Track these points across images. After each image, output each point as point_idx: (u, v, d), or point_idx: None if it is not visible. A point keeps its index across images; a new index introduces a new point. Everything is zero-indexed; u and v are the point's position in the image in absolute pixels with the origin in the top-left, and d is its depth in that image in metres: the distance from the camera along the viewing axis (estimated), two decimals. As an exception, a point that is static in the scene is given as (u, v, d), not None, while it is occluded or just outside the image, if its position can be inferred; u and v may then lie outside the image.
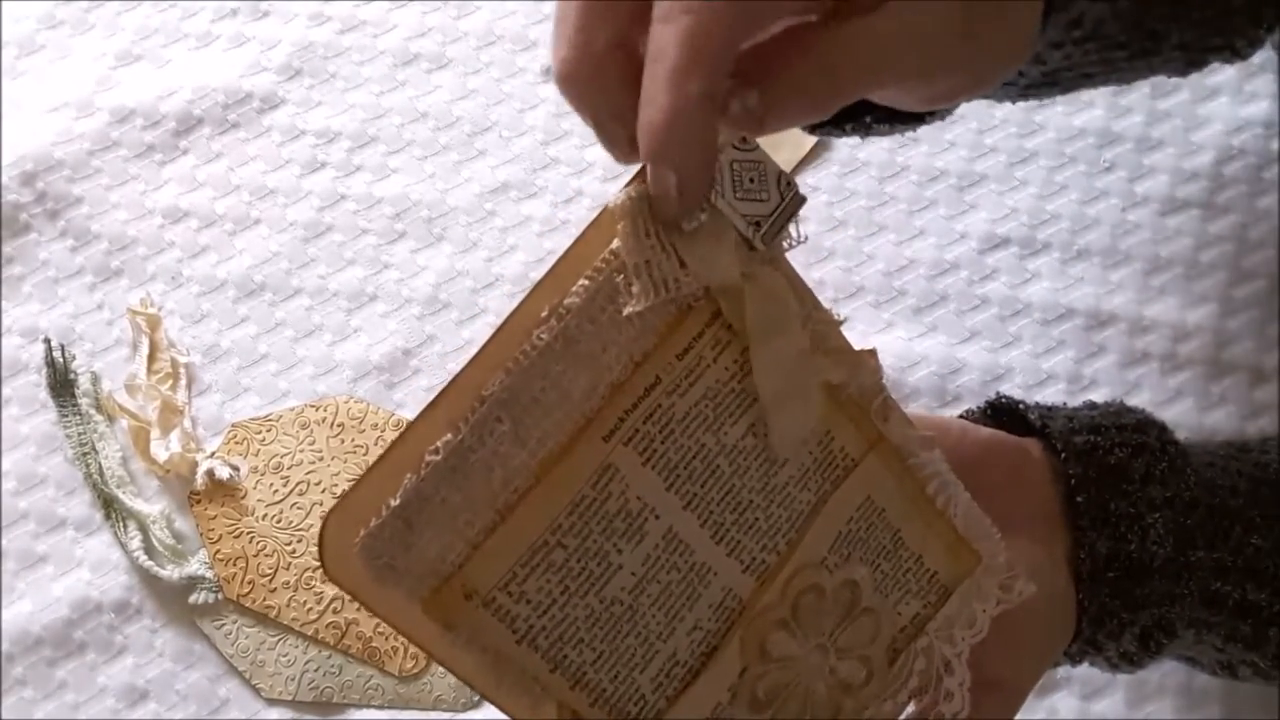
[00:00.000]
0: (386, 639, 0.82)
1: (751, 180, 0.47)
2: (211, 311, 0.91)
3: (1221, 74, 0.97)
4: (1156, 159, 0.95)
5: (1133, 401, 0.70)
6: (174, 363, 0.89)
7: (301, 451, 0.87)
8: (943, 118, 0.62)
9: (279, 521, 0.85)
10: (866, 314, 0.91)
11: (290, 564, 0.84)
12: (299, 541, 0.85)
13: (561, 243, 0.91)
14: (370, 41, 0.99)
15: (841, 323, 0.52)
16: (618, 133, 0.47)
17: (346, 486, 0.84)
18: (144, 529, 0.85)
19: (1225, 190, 0.94)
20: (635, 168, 0.47)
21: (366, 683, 0.82)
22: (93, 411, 0.88)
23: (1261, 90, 0.97)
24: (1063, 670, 0.79)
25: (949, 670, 0.57)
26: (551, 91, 0.97)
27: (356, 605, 0.57)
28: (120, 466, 0.86)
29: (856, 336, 0.88)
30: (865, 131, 0.63)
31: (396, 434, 0.86)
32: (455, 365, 0.88)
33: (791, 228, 0.49)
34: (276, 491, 0.86)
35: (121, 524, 0.85)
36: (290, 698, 0.82)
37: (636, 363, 0.48)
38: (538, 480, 0.47)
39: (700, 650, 0.51)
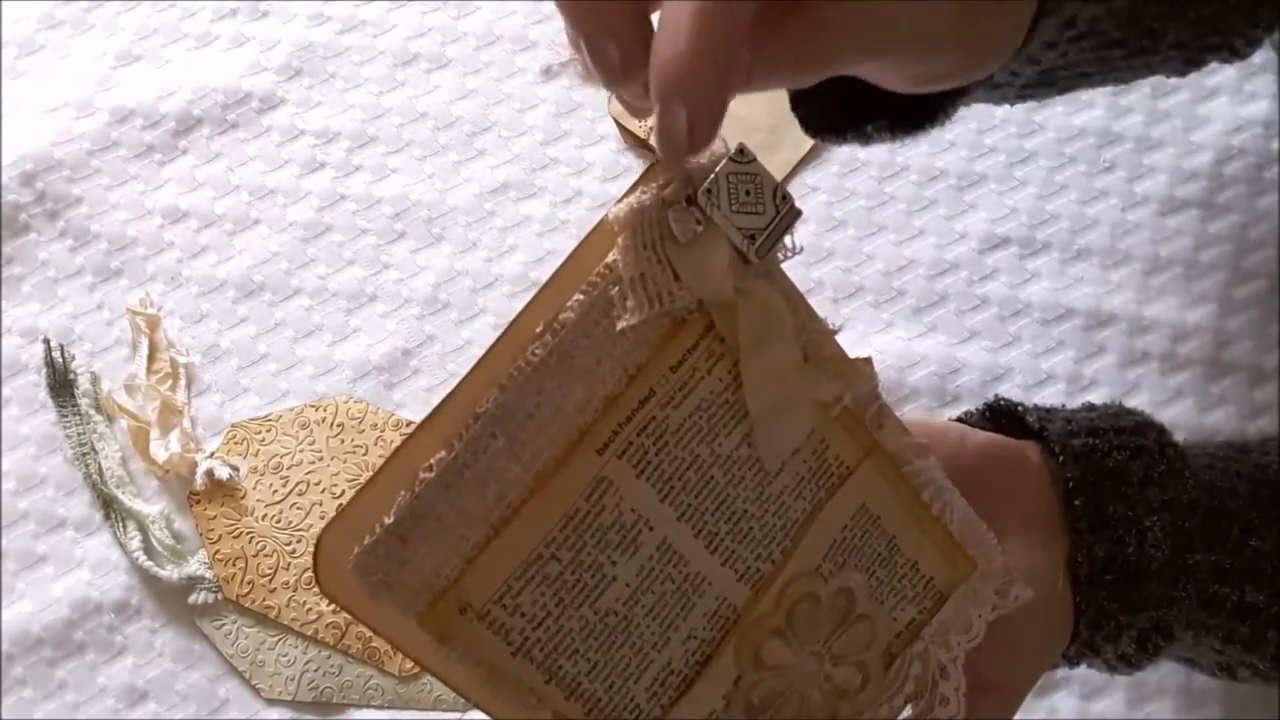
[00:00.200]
0: (386, 639, 0.83)
1: (747, 193, 0.47)
2: (211, 311, 0.91)
3: (1221, 74, 0.97)
4: (1156, 159, 0.95)
5: (1132, 402, 0.70)
6: (174, 363, 0.89)
7: (301, 451, 0.87)
8: (941, 123, 0.61)
9: (279, 521, 0.85)
10: (866, 314, 0.91)
11: (290, 564, 0.84)
12: (299, 541, 0.85)
13: (561, 243, 0.92)
14: (370, 41, 0.99)
15: (838, 331, 0.52)
16: (608, 51, 0.46)
17: (344, 495, 0.85)
18: (144, 529, 0.85)
19: (1225, 190, 0.94)
20: (636, 175, 0.47)
21: (366, 683, 0.83)
22: (92, 412, 0.88)
23: (1261, 90, 0.97)
24: (1062, 670, 0.79)
25: (944, 675, 0.58)
26: (551, 91, 0.97)
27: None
28: (120, 466, 0.87)
29: (856, 336, 0.88)
30: (865, 140, 0.62)
31: (396, 437, 0.87)
32: (455, 365, 0.89)
33: (786, 239, 0.49)
34: (276, 492, 0.86)
35: (121, 524, 0.85)
36: (290, 698, 0.82)
37: (631, 375, 0.48)
38: (532, 494, 0.47)
39: (695, 659, 0.51)
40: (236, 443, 0.87)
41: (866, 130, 0.61)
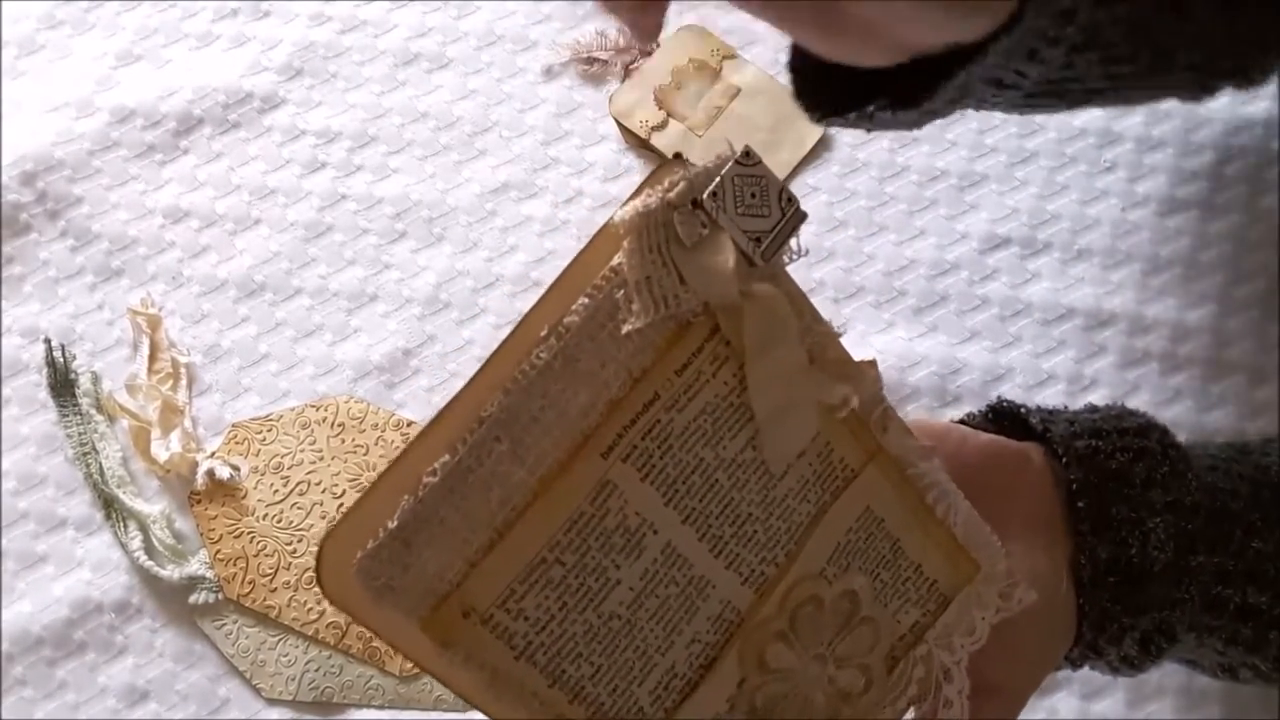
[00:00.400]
0: (387, 640, 0.83)
1: (753, 195, 0.47)
2: (212, 311, 0.91)
3: (1222, 73, 0.97)
4: (1156, 159, 0.95)
5: (1132, 402, 0.70)
6: (174, 363, 0.89)
7: (302, 451, 0.87)
8: (940, 101, 0.61)
9: (279, 521, 0.85)
10: (867, 314, 0.91)
11: (290, 564, 0.84)
12: (299, 541, 0.85)
13: (562, 242, 0.92)
14: (371, 41, 0.99)
15: (841, 333, 0.52)
16: None
17: (345, 494, 0.85)
18: (144, 529, 0.85)
19: (1225, 190, 0.94)
20: (637, 175, 0.47)
21: (366, 683, 0.83)
22: (93, 411, 0.88)
23: (1261, 90, 0.96)
24: (1063, 671, 0.79)
25: (948, 677, 0.58)
26: (552, 91, 0.97)
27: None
28: (120, 466, 0.87)
29: (857, 337, 0.88)
30: (869, 122, 0.62)
31: (396, 437, 0.87)
32: (455, 365, 0.89)
33: (792, 242, 0.49)
34: (277, 491, 0.86)
35: (122, 524, 0.85)
36: (290, 698, 0.82)
37: (635, 379, 0.48)
38: (536, 498, 0.47)
39: (699, 663, 0.51)
40: (237, 442, 0.87)
41: (868, 110, 0.61)
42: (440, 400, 0.88)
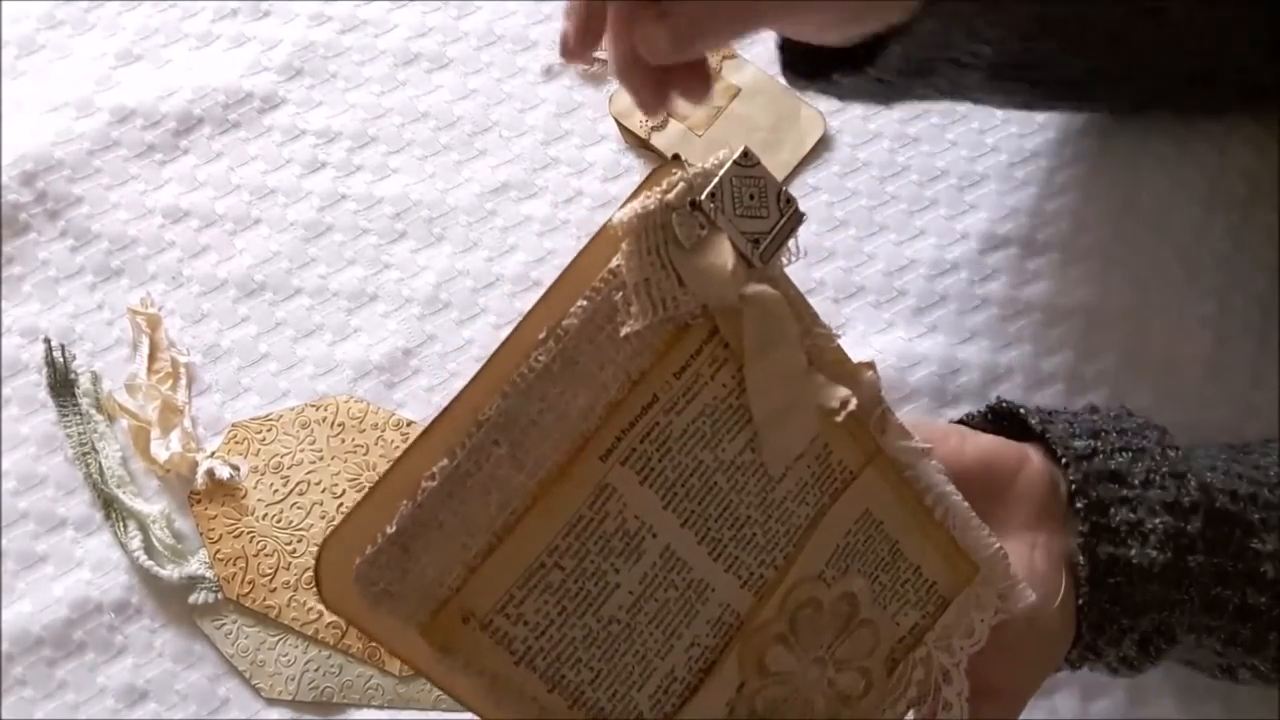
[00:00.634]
0: (386, 640, 0.82)
1: (751, 197, 0.47)
2: (212, 311, 0.91)
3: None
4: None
5: (1131, 402, 0.70)
6: (174, 362, 0.89)
7: (302, 451, 0.87)
8: (918, 93, 0.69)
9: (279, 521, 0.85)
10: (866, 314, 0.91)
11: (290, 564, 0.84)
12: (299, 541, 0.85)
13: (562, 242, 0.92)
14: (371, 41, 0.99)
15: (840, 335, 0.52)
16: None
17: (345, 494, 0.85)
18: (144, 529, 0.85)
19: (1225, 190, 0.94)
20: (637, 175, 0.47)
21: (366, 683, 0.83)
22: (93, 411, 0.88)
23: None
24: (1063, 671, 0.79)
25: (947, 679, 0.58)
26: (552, 91, 0.97)
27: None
28: (120, 466, 0.87)
29: (857, 337, 0.88)
30: (837, 89, 0.71)
31: (396, 437, 0.87)
32: (455, 365, 0.89)
33: (790, 243, 0.49)
34: (277, 491, 0.86)
35: (121, 524, 0.85)
36: (290, 698, 0.82)
37: (634, 381, 0.48)
38: (535, 501, 0.47)
39: (698, 666, 0.51)
40: (237, 442, 0.87)
41: (834, 78, 0.70)
42: (440, 400, 0.88)
